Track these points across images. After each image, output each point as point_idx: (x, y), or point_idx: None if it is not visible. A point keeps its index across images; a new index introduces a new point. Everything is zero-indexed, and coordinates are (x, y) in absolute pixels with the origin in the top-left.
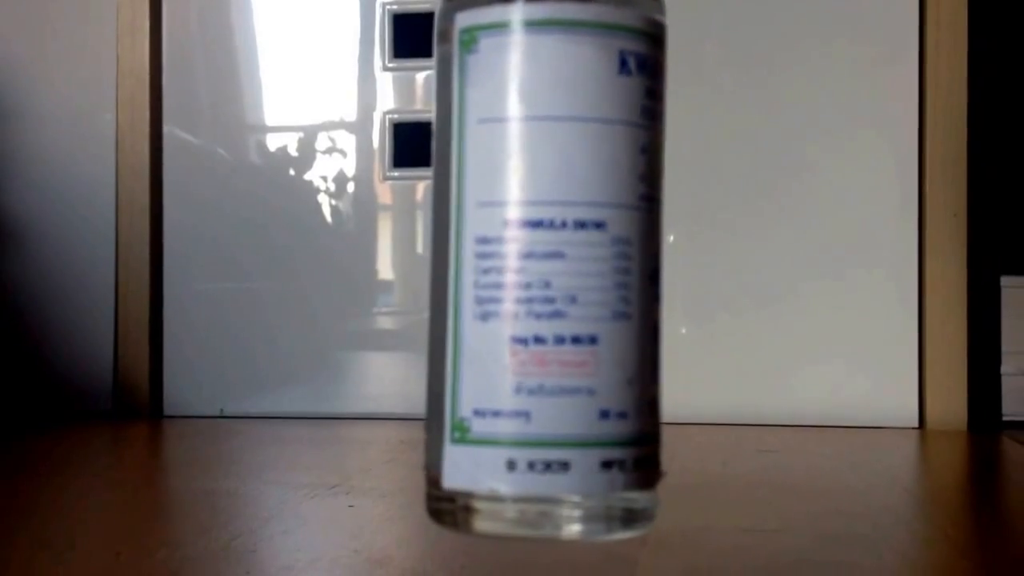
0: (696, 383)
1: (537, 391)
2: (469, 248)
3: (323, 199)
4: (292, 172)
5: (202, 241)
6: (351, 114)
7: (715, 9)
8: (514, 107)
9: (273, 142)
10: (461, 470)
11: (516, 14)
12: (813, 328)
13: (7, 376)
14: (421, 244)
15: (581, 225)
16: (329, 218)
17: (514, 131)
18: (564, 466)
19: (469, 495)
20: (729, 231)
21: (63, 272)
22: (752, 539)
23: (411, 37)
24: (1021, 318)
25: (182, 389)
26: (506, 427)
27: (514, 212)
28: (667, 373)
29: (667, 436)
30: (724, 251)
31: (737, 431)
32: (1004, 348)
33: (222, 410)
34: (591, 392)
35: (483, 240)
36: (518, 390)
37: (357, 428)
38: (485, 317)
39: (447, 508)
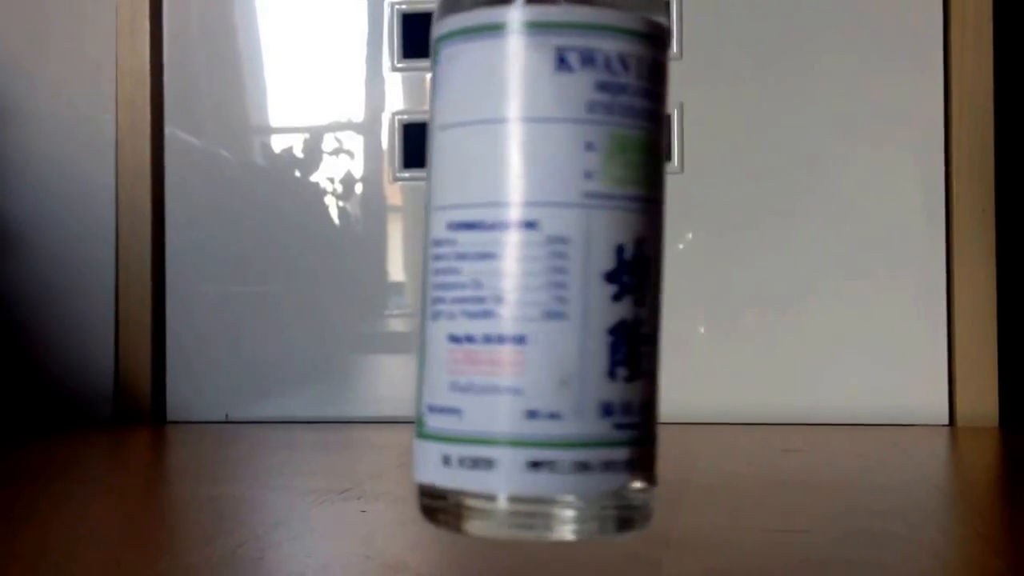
0: (721, 382)
1: (468, 389)
2: (428, 251)
3: (330, 201)
4: (298, 174)
5: (205, 244)
6: (359, 115)
7: (739, 9)
8: (459, 113)
9: (278, 143)
10: (418, 463)
11: (459, 23)
12: (841, 325)
13: (5, 382)
14: None
15: (512, 225)
16: (337, 220)
17: (457, 137)
18: (489, 463)
19: (460, 493)
20: (756, 229)
21: (62, 275)
22: (779, 539)
23: (421, 37)
24: None
25: (185, 394)
26: (443, 423)
27: (454, 215)
28: (691, 373)
29: (692, 436)
30: (750, 249)
31: (763, 430)
32: None
33: (227, 415)
34: (518, 392)
35: (435, 243)
36: (452, 387)
37: (368, 432)
38: (435, 316)
39: (440, 506)
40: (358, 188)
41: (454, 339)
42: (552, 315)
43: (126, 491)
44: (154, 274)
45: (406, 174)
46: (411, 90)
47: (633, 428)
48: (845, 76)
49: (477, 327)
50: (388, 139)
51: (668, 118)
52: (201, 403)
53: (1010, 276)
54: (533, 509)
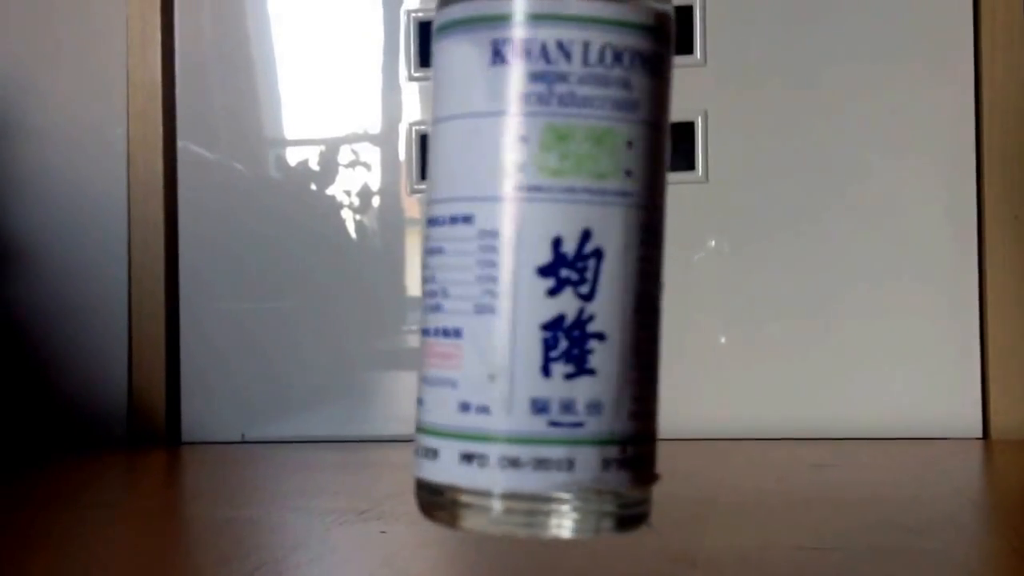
0: (748, 396)
1: (426, 380)
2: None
3: (347, 214)
4: (314, 187)
5: (220, 259)
6: (375, 126)
7: (763, 15)
8: (429, 112)
9: (293, 156)
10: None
11: (434, 22)
12: (870, 336)
13: (17, 402)
14: None
15: (454, 220)
16: (354, 234)
17: (429, 135)
18: (435, 454)
19: (455, 489)
20: (782, 238)
21: (74, 292)
22: (810, 557)
23: None
24: None
25: (201, 414)
26: (417, 413)
27: (427, 211)
28: (716, 386)
29: (718, 452)
30: (777, 258)
31: (791, 446)
32: None
33: (243, 435)
34: (454, 385)
35: (425, 237)
36: (420, 379)
37: (388, 451)
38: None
39: (438, 501)
40: (375, 201)
41: (422, 331)
42: (482, 309)
43: (141, 514)
44: (168, 291)
45: (424, 186)
46: (429, 100)
47: (574, 427)
48: (873, 81)
49: (432, 320)
50: (405, 150)
51: (647, 106)
52: (217, 423)
53: None
54: (469, 500)
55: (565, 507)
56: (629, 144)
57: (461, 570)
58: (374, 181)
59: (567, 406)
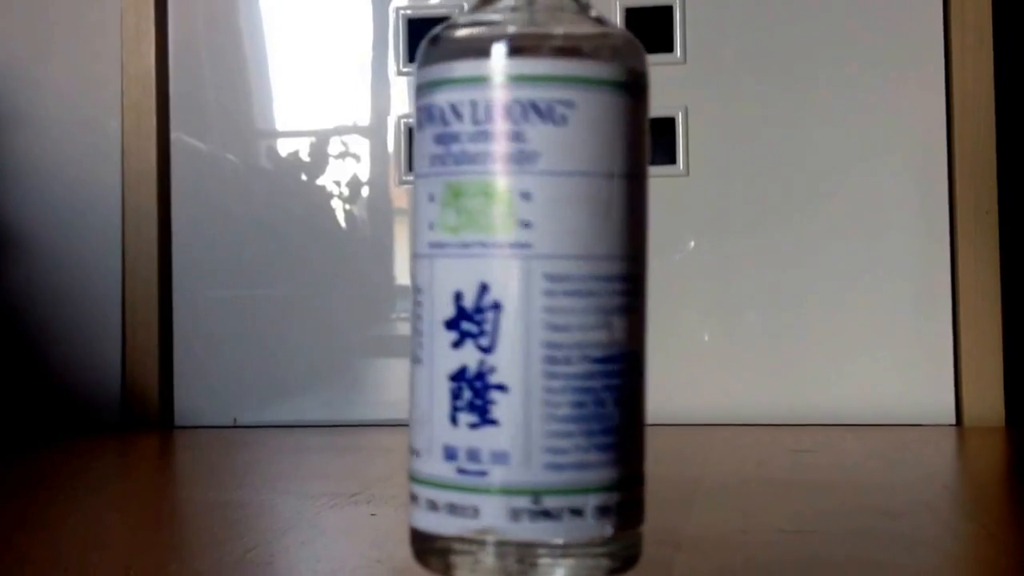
0: (728, 384)
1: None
2: None
3: (337, 204)
4: (304, 177)
5: (212, 247)
6: (364, 119)
7: (741, 15)
8: None
9: (284, 147)
10: None
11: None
12: (847, 326)
13: (12, 388)
14: None
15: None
16: (344, 223)
17: None
18: (414, 497)
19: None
20: (762, 231)
21: (69, 280)
22: (789, 539)
23: None
24: None
25: (193, 398)
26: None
27: None
28: (699, 375)
29: (701, 438)
30: (758, 251)
31: (771, 431)
32: None
33: (235, 419)
34: (409, 427)
35: None
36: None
37: (377, 435)
38: None
39: (429, 548)
40: (364, 191)
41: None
42: (415, 359)
43: (135, 496)
44: (161, 278)
45: (412, 177)
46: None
47: (478, 475)
48: (848, 79)
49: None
50: (394, 142)
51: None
52: (209, 408)
53: (1014, 276)
54: (520, 555)
55: (481, 551)
56: (524, 195)
57: None
58: (363, 172)
59: (472, 455)
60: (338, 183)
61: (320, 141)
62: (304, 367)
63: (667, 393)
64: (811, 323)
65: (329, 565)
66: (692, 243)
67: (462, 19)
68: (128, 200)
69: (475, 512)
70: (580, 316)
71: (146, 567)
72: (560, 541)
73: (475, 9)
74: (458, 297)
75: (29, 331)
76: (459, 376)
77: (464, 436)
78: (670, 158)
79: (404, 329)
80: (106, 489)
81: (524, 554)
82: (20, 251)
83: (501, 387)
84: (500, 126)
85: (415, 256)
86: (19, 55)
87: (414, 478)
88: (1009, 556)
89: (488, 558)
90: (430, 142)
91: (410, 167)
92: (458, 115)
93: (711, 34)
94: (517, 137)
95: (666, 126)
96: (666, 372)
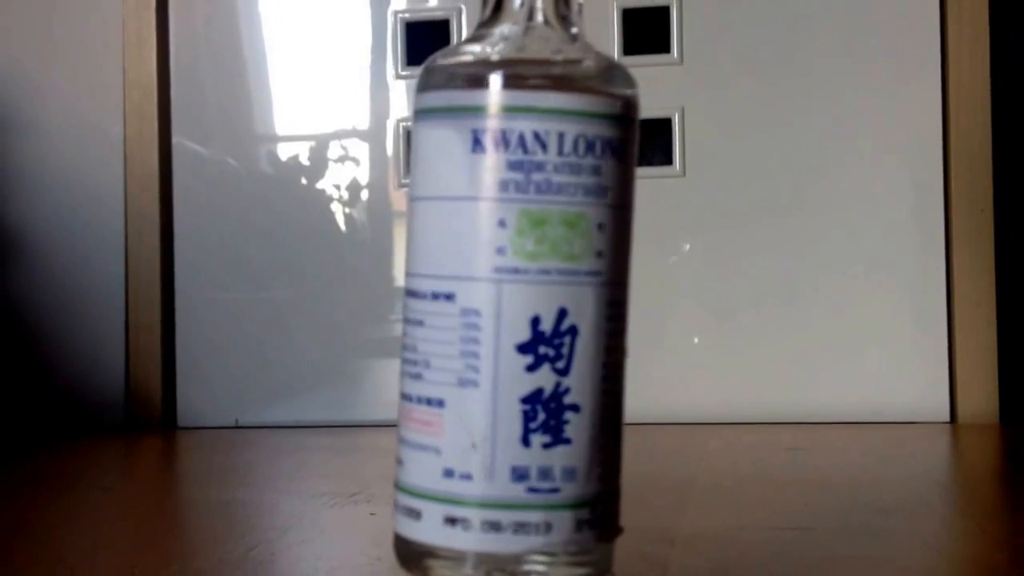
0: (723, 382)
1: (406, 443)
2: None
3: (336, 207)
4: (304, 181)
5: (214, 251)
6: (364, 122)
7: (738, 14)
8: (411, 188)
9: (284, 151)
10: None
11: (413, 104)
12: (841, 324)
13: (17, 390)
14: None
15: (436, 296)
16: (343, 226)
17: (410, 209)
18: (417, 515)
19: (436, 549)
20: (758, 229)
21: (72, 284)
22: (784, 537)
23: (424, 45)
24: None
25: (196, 400)
26: (396, 472)
27: (406, 282)
28: (694, 373)
29: (697, 436)
30: (754, 248)
31: (766, 429)
32: None
33: (237, 420)
34: (438, 451)
35: (403, 305)
36: (399, 440)
37: (376, 436)
38: (399, 373)
39: (417, 559)
40: (364, 194)
41: (402, 396)
42: (464, 382)
43: (138, 497)
44: (163, 281)
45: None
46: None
47: (551, 492)
48: (844, 79)
49: (413, 388)
50: (393, 146)
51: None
52: (211, 409)
53: (1009, 274)
54: (449, 560)
55: (538, 567)
56: (600, 227)
57: None
58: (362, 175)
59: (545, 473)
60: (338, 187)
61: (320, 145)
62: (305, 369)
63: (663, 392)
64: (807, 321)
65: (330, 563)
66: (687, 246)
67: (533, 46)
68: (130, 204)
69: (547, 528)
70: (620, 338)
71: (150, 565)
72: (598, 545)
73: (540, 38)
74: (535, 322)
75: (33, 334)
76: (534, 398)
77: (537, 456)
78: (667, 159)
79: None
80: (110, 489)
81: (581, 561)
82: (24, 255)
83: (575, 407)
84: (587, 160)
85: (470, 279)
86: (22, 61)
87: (459, 501)
88: (1002, 552)
89: (559, 570)
90: (501, 167)
91: (408, 171)
92: (543, 144)
93: (708, 35)
94: (597, 171)
95: (663, 127)
96: (662, 370)
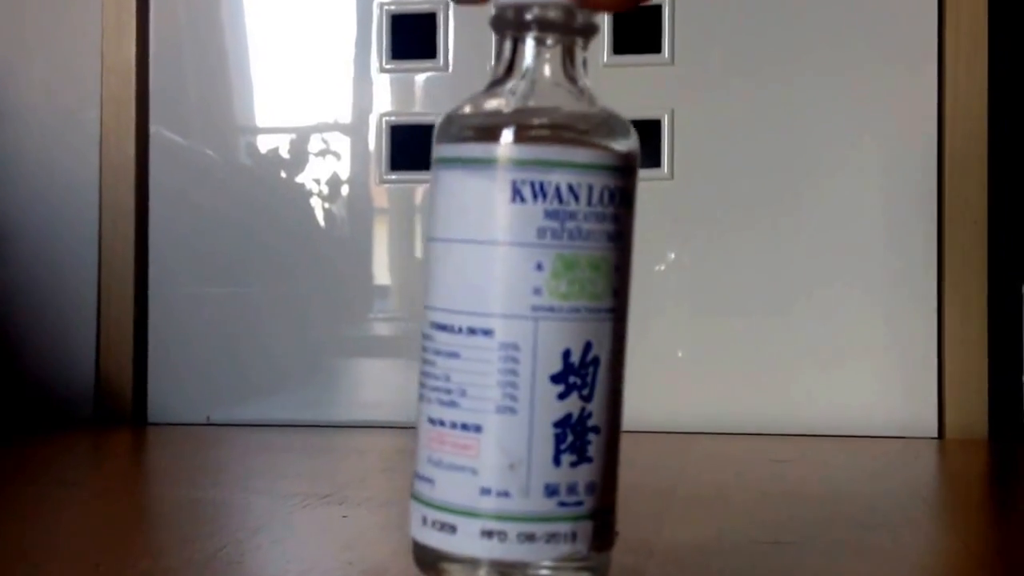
0: (709, 392)
1: (439, 463)
2: (421, 340)
3: (316, 202)
4: (284, 174)
5: (189, 244)
6: (346, 116)
7: (730, 15)
8: (439, 230)
9: (264, 143)
10: (410, 520)
11: (442, 152)
12: (830, 336)
13: None
14: (419, 248)
15: (472, 331)
16: (322, 222)
17: (438, 250)
18: (452, 529)
19: (440, 556)
20: (746, 236)
21: (44, 274)
22: (764, 550)
23: (409, 38)
24: None
25: (167, 395)
26: (422, 489)
27: (434, 316)
28: (679, 382)
29: (679, 446)
30: (741, 257)
31: (751, 441)
32: None
33: (209, 417)
34: (474, 472)
35: (424, 335)
36: (429, 460)
37: (351, 436)
38: (421, 398)
39: (421, 556)
40: (344, 190)
41: (431, 420)
42: (503, 409)
43: (106, 493)
44: (137, 274)
45: (392, 176)
46: (399, 92)
47: (577, 505)
48: (836, 82)
49: (446, 414)
50: (375, 140)
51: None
52: (183, 405)
53: (1001, 287)
54: (494, 571)
55: (548, 573)
56: (616, 268)
57: None
58: (343, 170)
59: (572, 488)
60: (318, 181)
61: (300, 138)
62: (279, 366)
63: (646, 400)
64: (796, 331)
65: (299, 566)
66: (672, 255)
67: (546, 102)
68: (105, 194)
69: (573, 536)
70: (624, 366)
71: (116, 563)
72: (606, 550)
73: (550, 94)
74: (567, 355)
75: (4, 325)
76: (564, 423)
77: (565, 474)
78: (655, 161)
79: (380, 330)
80: (78, 485)
81: (588, 566)
82: None
83: (596, 429)
84: (609, 209)
85: (510, 316)
86: None
87: (502, 515)
88: (987, 570)
89: (582, 573)
90: (540, 215)
91: (391, 166)
92: (575, 196)
93: (700, 35)
94: (616, 219)
95: (652, 129)
96: (645, 378)
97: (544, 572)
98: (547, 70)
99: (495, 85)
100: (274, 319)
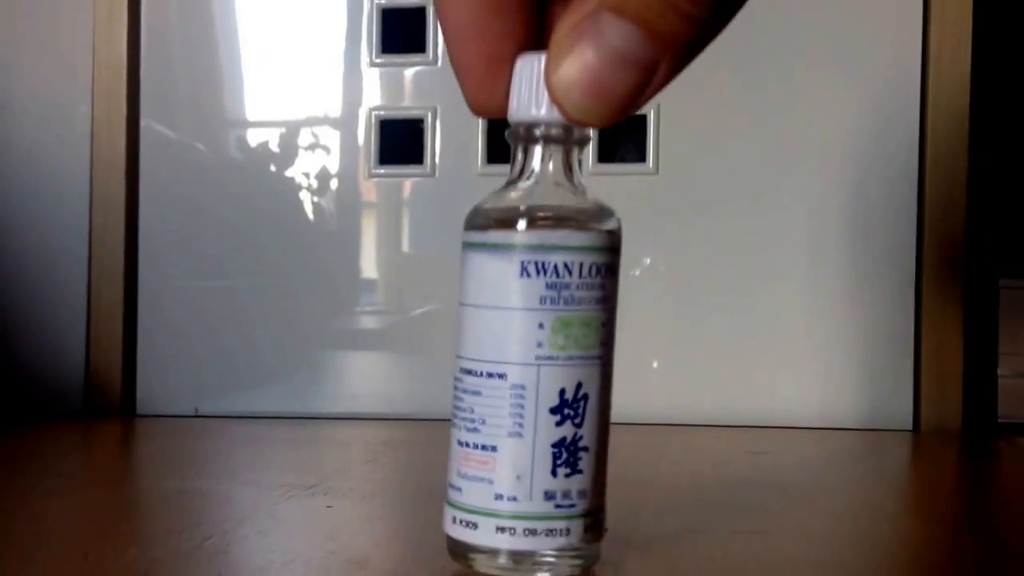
0: (685, 383)
1: (464, 476)
2: (454, 380)
3: (305, 196)
4: (273, 168)
5: (178, 237)
6: (336, 110)
7: None
8: (466, 297)
9: (254, 137)
10: (444, 519)
11: (468, 237)
12: (807, 328)
13: None
14: (406, 243)
15: (491, 375)
16: (311, 215)
17: (466, 312)
18: (475, 526)
19: (466, 547)
20: (729, 229)
21: (33, 267)
22: (740, 539)
23: (400, 32)
24: (1018, 320)
25: (155, 387)
26: (454, 496)
27: (463, 363)
28: (656, 373)
29: (656, 437)
30: (721, 249)
31: (727, 432)
32: (1001, 350)
33: (197, 409)
34: (491, 482)
35: (455, 377)
36: (457, 473)
37: (336, 428)
38: (453, 424)
39: (453, 548)
40: (333, 184)
41: (460, 443)
42: (513, 434)
43: (94, 483)
44: (126, 267)
45: (381, 170)
46: (389, 86)
47: (570, 507)
48: (824, 81)
49: (471, 437)
50: (364, 135)
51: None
52: (171, 397)
53: (978, 282)
54: (508, 558)
55: (552, 559)
56: (603, 324)
57: (404, 544)
58: (333, 164)
59: (566, 494)
60: (307, 175)
61: (290, 132)
62: (267, 359)
63: (623, 391)
64: (770, 324)
65: (285, 555)
66: (648, 260)
67: (553, 199)
68: (96, 188)
69: (568, 532)
70: (610, 397)
71: (103, 553)
72: (596, 541)
73: (554, 192)
74: (562, 392)
75: None
76: (560, 444)
77: (561, 483)
78: (639, 156)
79: (368, 323)
80: (66, 475)
81: (582, 554)
82: None
83: (585, 448)
84: (596, 280)
85: (518, 364)
86: None
87: (511, 515)
88: (955, 560)
89: (576, 560)
90: (542, 287)
91: (380, 160)
92: (569, 271)
93: None
94: (602, 287)
95: (638, 124)
96: (622, 370)
97: (548, 558)
98: (550, 172)
99: (510, 184)
100: (262, 312)
